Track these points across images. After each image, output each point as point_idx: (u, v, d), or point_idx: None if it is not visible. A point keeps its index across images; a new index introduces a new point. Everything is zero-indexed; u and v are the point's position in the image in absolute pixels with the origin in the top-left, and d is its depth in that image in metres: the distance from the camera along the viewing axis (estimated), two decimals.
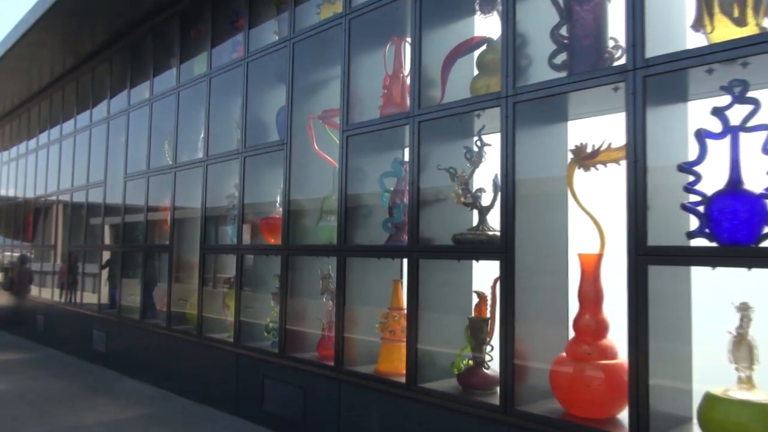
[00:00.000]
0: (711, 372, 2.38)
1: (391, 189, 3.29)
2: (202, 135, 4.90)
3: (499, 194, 2.76)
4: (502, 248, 2.54)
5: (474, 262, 3.01)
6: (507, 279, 2.51)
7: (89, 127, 6.72)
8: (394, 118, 3.11)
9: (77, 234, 6.94)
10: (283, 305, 3.71)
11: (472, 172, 2.91)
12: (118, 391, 4.86)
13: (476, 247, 2.71)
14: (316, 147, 3.76)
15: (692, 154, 2.20)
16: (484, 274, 3.16)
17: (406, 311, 3.15)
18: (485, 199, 2.87)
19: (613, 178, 2.50)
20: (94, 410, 4.23)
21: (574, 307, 2.77)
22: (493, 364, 2.81)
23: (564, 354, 2.48)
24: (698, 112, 2.40)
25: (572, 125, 2.88)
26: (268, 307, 4.11)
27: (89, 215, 6.67)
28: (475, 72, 3.00)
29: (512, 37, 2.60)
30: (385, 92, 3.35)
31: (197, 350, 4.49)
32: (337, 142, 3.67)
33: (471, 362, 2.83)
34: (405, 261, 3.44)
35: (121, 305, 5.70)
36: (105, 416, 4.08)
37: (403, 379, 2.99)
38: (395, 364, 3.13)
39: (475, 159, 2.90)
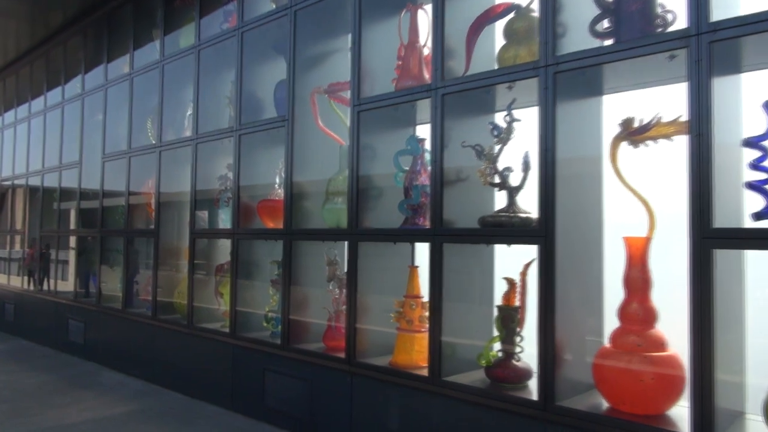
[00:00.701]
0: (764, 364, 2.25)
1: (407, 168, 3.06)
2: (190, 112, 4.59)
3: (530, 174, 2.60)
4: (541, 231, 2.34)
5: (499, 246, 2.81)
6: (547, 264, 2.31)
7: (61, 104, 6.29)
8: (413, 90, 2.87)
9: (50, 218, 6.53)
10: (286, 293, 3.46)
11: (501, 150, 2.70)
12: (101, 384, 4.56)
13: (512, 230, 2.50)
14: (321, 123, 3.50)
15: (754, 128, 2.03)
16: (504, 259, 2.98)
17: (422, 299, 2.97)
18: (512, 179, 2.67)
19: (661, 155, 2.32)
20: (77, 406, 3.93)
21: (610, 294, 2.60)
22: (523, 356, 2.63)
23: (608, 345, 2.30)
24: (756, 83, 2.23)
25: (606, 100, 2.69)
26: (267, 295, 3.85)
27: (62, 198, 6.27)
28: (501, 42, 2.78)
29: (552, 0, 2.38)
30: (399, 64, 3.10)
31: (188, 341, 4.21)
32: (344, 118, 3.43)
33: (500, 354, 2.63)
34: (417, 246, 3.27)
35: (101, 293, 5.36)
36: (91, 413, 3.79)
37: (423, 372, 2.80)
38: (412, 356, 2.93)
39: (503, 135, 2.68)
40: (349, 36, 3.71)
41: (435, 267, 2.70)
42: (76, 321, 5.69)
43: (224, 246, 4.29)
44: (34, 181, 6.91)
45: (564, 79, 2.36)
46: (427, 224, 2.95)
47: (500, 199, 2.94)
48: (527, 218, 2.53)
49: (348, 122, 3.40)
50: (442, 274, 2.69)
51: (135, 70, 5.08)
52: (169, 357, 4.41)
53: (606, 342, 2.33)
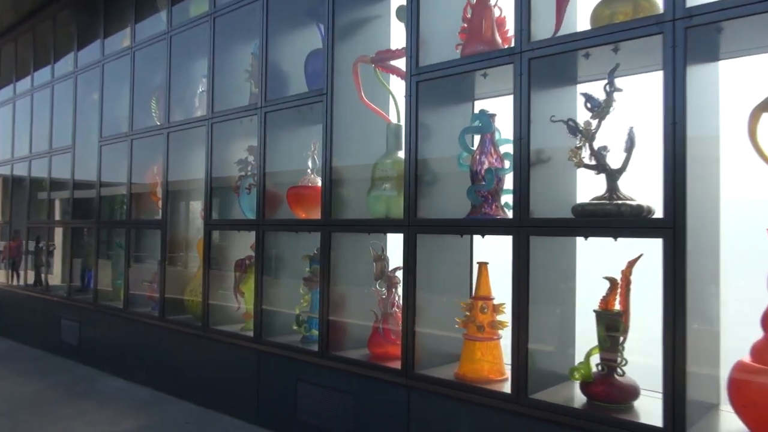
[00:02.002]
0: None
1: (473, 149, 2.63)
2: (202, 89, 4.11)
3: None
4: (668, 222, 1.92)
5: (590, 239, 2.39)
6: (675, 262, 1.90)
7: (51, 83, 5.74)
8: (491, 55, 2.42)
9: (38, 209, 5.99)
10: (324, 293, 3.02)
11: (598, 126, 2.27)
12: (102, 392, 4.08)
13: (622, 220, 2.08)
14: (365, 98, 3.05)
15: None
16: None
17: (493, 302, 2.55)
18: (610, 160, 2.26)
19: None
20: (81, 420, 3.46)
21: (728, 297, 2.21)
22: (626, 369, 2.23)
23: (748, 359, 1.90)
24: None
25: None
26: (297, 294, 3.40)
27: (53, 187, 5.74)
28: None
29: None
30: (464, 27, 2.66)
31: (202, 345, 3.75)
32: (392, 91, 2.98)
33: (601, 367, 2.22)
34: (475, 239, 2.85)
35: (98, 290, 4.87)
36: (97, 428, 3.32)
37: (500, 387, 2.39)
38: (483, 368, 2.51)
39: (603, 108, 2.26)
40: (390, 1, 3.30)
41: (521, 265, 2.27)
42: (69, 321, 5.18)
43: (244, 239, 3.83)
44: (20, 170, 6.35)
45: (695, 36, 1.94)
46: (500, 213, 2.53)
47: (585, 184, 2.55)
48: (638, 206, 2.11)
49: (396, 96, 2.97)
50: (529, 273, 2.27)
51: (137, 43, 4.57)
52: (179, 362, 3.95)
53: (745, 356, 1.93)
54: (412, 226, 2.64)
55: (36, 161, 6.00)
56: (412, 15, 2.69)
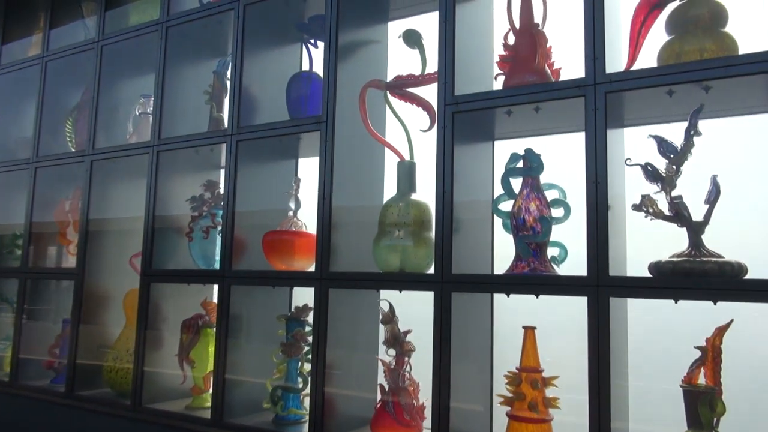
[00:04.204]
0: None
1: (518, 192, 2.27)
2: (140, 111, 3.43)
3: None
4: None
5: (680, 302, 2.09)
6: None
7: None
8: (555, 86, 2.10)
9: None
10: (320, 361, 2.44)
11: (677, 171, 2.02)
12: None
13: (724, 281, 1.79)
14: (373, 129, 2.60)
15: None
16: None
17: (543, 374, 2.15)
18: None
19: None
20: None
21: None
22: None
23: None
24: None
25: None
26: (266, 363, 2.77)
27: None
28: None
29: None
30: (505, 55, 2.34)
31: (134, 431, 2.95)
32: (404, 123, 2.57)
33: None
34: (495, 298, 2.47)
35: None
36: None
37: None
38: None
39: (681, 154, 2.01)
40: (388, 26, 2.95)
41: (600, 331, 1.90)
42: None
43: (186, 294, 3.13)
44: None
45: None
46: (550, 269, 2.16)
47: (643, 238, 2.27)
48: (739, 265, 1.85)
49: (407, 129, 2.56)
50: (609, 341, 1.90)
51: (50, 52, 3.78)
52: None
53: None
54: (447, 283, 2.19)
55: None
56: (446, 35, 2.32)
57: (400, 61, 2.83)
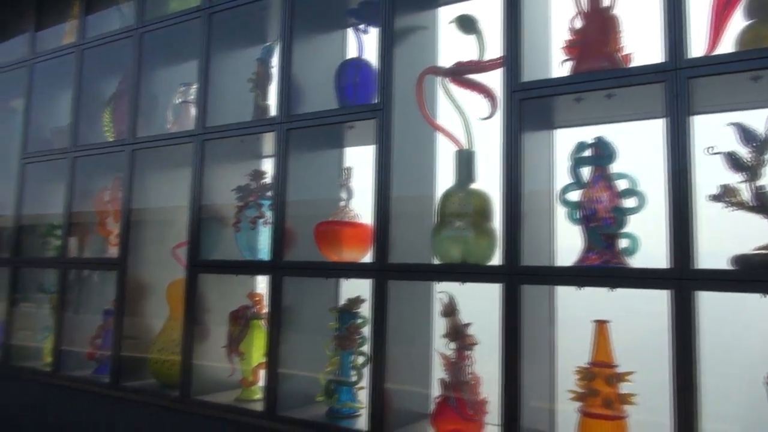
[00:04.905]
0: None
1: (588, 181, 2.20)
2: (181, 99, 3.38)
3: None
4: None
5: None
6: None
7: None
8: (632, 71, 2.02)
9: None
10: (379, 355, 2.39)
11: (764, 162, 1.94)
12: None
13: None
14: (430, 117, 2.53)
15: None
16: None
17: (617, 370, 2.09)
18: None
19: None
20: None
21: None
22: None
23: None
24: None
25: None
26: (317, 356, 2.73)
27: None
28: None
29: None
30: (573, 40, 2.26)
31: (180, 424, 2.92)
32: (463, 111, 2.50)
33: None
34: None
35: (10, 347, 3.80)
36: None
37: None
38: None
39: (766, 141, 1.92)
40: (438, 12, 2.87)
41: (683, 326, 1.84)
42: None
43: (230, 285, 3.09)
44: None
45: None
46: (623, 261, 2.09)
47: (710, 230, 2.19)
48: None
49: (466, 117, 2.49)
50: (695, 335, 1.83)
51: (86, 40, 3.72)
52: None
53: None
54: (516, 275, 2.13)
55: None
56: (512, 19, 2.24)
57: (452, 47, 2.76)
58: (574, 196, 2.21)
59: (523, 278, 2.12)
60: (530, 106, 2.22)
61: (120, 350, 3.21)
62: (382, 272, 2.42)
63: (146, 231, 3.40)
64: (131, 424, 3.12)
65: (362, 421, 2.52)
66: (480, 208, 2.37)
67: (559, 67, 2.29)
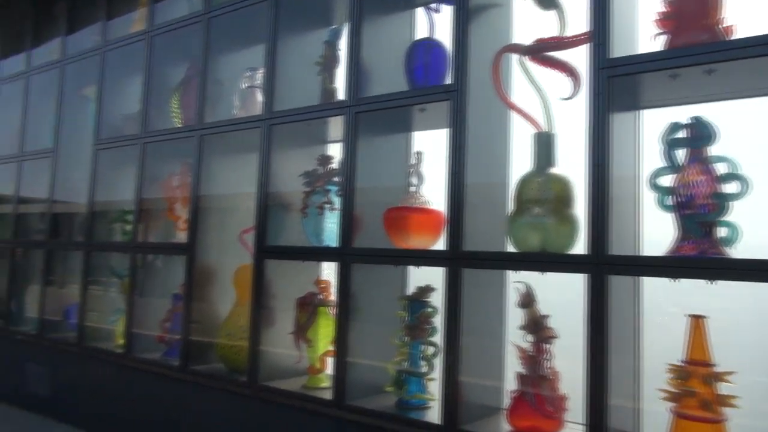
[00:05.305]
0: None
1: (682, 164, 2.03)
2: (246, 85, 3.36)
3: None
4: None
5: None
6: None
7: (26, 74, 4.78)
8: (750, 42, 1.83)
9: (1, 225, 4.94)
10: (452, 346, 2.30)
11: None
12: None
13: None
14: (508, 97, 2.41)
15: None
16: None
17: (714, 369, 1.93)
18: None
19: None
20: None
21: None
22: None
23: None
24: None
25: None
26: (388, 346, 2.66)
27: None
28: None
29: None
30: (667, 12, 2.08)
31: (249, 408, 2.93)
32: (543, 91, 2.36)
33: None
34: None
35: (84, 328, 3.92)
36: None
37: None
38: None
39: None
40: None
41: None
42: (38, 365, 4.18)
43: (295, 271, 3.06)
44: None
45: None
46: (722, 251, 1.92)
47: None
48: None
49: (546, 97, 2.35)
50: None
51: (155, 26, 3.76)
52: (210, 430, 3.09)
53: None
54: (603, 265, 1.99)
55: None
56: None
57: (528, 24, 2.61)
58: (667, 180, 2.05)
59: (611, 268, 1.98)
60: (618, 84, 2.07)
61: (189, 334, 3.24)
62: (455, 260, 2.32)
63: (212, 216, 3.41)
64: (200, 407, 3.16)
65: (433, 414, 2.44)
66: (561, 193, 2.24)
67: (651, 41, 2.12)
